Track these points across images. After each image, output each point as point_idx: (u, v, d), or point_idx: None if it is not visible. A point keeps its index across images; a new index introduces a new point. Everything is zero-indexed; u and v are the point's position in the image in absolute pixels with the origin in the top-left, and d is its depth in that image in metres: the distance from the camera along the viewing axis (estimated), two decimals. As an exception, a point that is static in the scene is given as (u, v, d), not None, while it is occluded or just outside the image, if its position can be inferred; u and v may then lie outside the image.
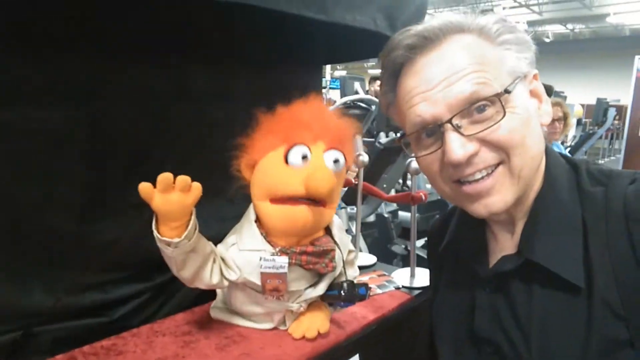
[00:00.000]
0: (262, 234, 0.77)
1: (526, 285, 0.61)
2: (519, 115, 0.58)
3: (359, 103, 2.97)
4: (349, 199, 2.32)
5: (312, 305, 0.85)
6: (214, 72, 0.93)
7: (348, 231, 1.54)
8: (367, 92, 4.70)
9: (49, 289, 0.77)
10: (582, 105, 8.88)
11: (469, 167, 0.58)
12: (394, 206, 3.02)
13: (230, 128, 0.78)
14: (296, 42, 1.02)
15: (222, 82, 0.95)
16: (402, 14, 1.01)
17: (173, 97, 0.87)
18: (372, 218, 2.84)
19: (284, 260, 0.75)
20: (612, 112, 6.66)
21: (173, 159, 0.88)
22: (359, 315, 0.91)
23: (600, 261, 0.56)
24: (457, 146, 0.57)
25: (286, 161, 0.73)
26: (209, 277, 0.74)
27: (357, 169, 1.21)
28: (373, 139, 2.63)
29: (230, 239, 0.80)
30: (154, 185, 0.63)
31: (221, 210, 0.93)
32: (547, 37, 16.01)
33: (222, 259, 0.77)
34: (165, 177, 0.63)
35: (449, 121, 0.57)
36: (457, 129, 0.57)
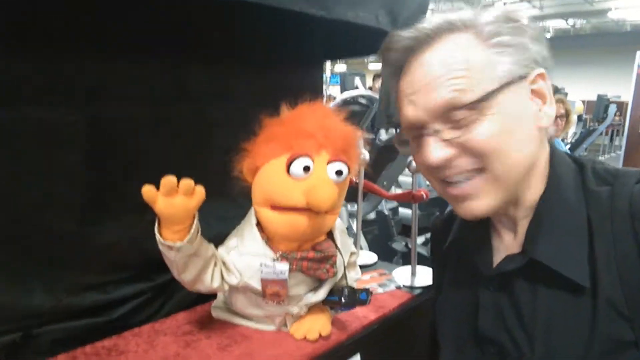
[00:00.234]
0: (263, 238, 0.77)
1: (530, 284, 0.61)
2: (501, 121, 0.57)
3: (359, 99, 2.96)
4: (349, 196, 2.31)
5: (313, 307, 0.84)
6: (214, 72, 0.92)
7: (348, 229, 1.53)
8: (370, 89, 4.68)
9: (50, 290, 0.76)
10: (583, 102, 8.86)
11: (447, 169, 0.60)
12: (394, 203, 3.02)
13: (231, 127, 0.77)
14: (297, 39, 1.01)
15: (222, 82, 0.94)
16: (404, 10, 1.00)
17: (173, 97, 0.87)
18: (372, 215, 2.83)
19: (284, 266, 0.74)
20: (612, 109, 6.64)
21: (174, 158, 0.87)
22: (360, 314, 0.91)
23: (605, 261, 0.56)
24: (431, 150, 0.59)
25: (288, 172, 0.71)
26: (210, 281, 0.74)
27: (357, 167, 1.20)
28: (373, 136, 2.62)
29: (231, 242, 0.79)
30: (157, 187, 0.62)
31: (223, 209, 0.93)
32: (548, 33, 15.97)
33: (223, 263, 0.76)
34: (168, 180, 0.62)
35: (428, 126, 0.59)
36: (435, 133, 0.59)
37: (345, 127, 0.78)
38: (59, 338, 0.76)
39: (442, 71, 0.58)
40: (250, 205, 0.80)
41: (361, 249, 1.39)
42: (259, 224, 0.78)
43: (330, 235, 0.83)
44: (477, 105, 0.56)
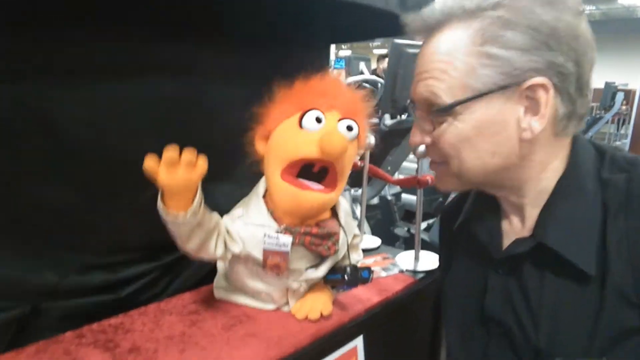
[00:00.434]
0: (268, 210, 0.78)
1: (538, 270, 0.62)
2: (469, 128, 0.59)
3: (364, 84, 2.94)
4: (354, 181, 2.31)
5: (315, 287, 0.85)
6: (218, 51, 0.91)
7: (352, 214, 1.54)
8: (374, 71, 4.63)
9: (57, 269, 0.77)
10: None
11: (427, 151, 0.67)
12: (397, 188, 3.02)
13: (236, 108, 0.77)
14: (303, 21, 1.00)
15: (227, 62, 0.93)
16: (413, -9, 0.98)
17: (177, 75, 0.86)
18: (375, 200, 2.84)
19: (287, 239, 0.76)
20: (620, 97, 6.57)
21: (180, 137, 0.87)
22: (364, 297, 0.92)
23: (617, 248, 0.56)
24: (412, 133, 0.66)
25: (300, 126, 0.73)
26: (214, 250, 0.75)
27: (362, 151, 1.20)
28: (378, 121, 2.61)
29: (237, 211, 0.80)
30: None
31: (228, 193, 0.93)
32: (557, 19, 15.61)
33: (227, 231, 0.78)
34: (170, 152, 0.63)
35: (417, 110, 0.65)
36: (419, 119, 0.65)
37: (355, 92, 0.80)
38: (67, 314, 0.77)
39: (426, 67, 0.61)
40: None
41: (364, 233, 1.40)
42: (265, 196, 0.79)
43: (335, 214, 0.83)
44: (449, 109, 0.59)
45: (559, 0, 0.56)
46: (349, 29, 1.18)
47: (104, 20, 0.73)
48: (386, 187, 2.82)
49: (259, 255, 0.77)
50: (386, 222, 2.89)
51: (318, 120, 0.73)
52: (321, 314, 0.81)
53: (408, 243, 2.67)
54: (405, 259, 1.14)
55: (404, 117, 2.36)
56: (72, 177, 0.77)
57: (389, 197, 2.91)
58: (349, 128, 0.75)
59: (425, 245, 1.18)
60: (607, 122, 6.85)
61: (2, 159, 0.70)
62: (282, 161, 0.74)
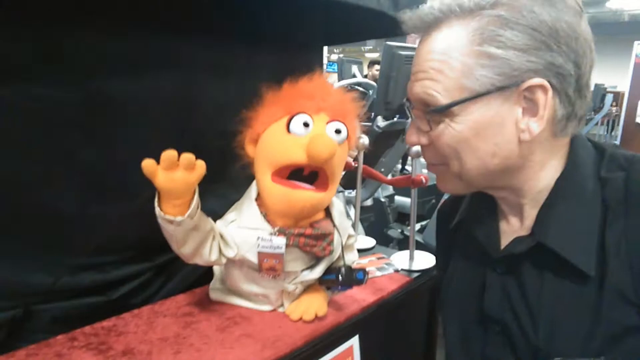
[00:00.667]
0: (261, 212, 0.77)
1: (537, 269, 0.61)
2: (466, 129, 0.58)
3: (356, 87, 2.95)
4: (348, 182, 2.32)
5: (310, 288, 0.85)
6: (211, 52, 0.91)
7: (346, 215, 1.54)
8: (365, 77, 4.66)
9: (49, 269, 0.76)
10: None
11: (424, 152, 0.66)
12: (391, 191, 3.03)
13: (227, 108, 0.77)
14: (295, 22, 1.00)
15: (219, 62, 0.93)
16: (405, -9, 0.98)
17: (171, 75, 0.85)
18: (369, 202, 2.84)
19: (281, 241, 0.75)
20: (609, 98, 6.65)
21: (173, 137, 0.87)
22: (359, 297, 0.92)
23: (616, 246, 0.56)
24: (408, 133, 0.65)
25: (288, 130, 0.73)
26: (208, 254, 0.75)
27: (356, 152, 1.20)
28: (370, 123, 2.62)
29: (230, 215, 0.80)
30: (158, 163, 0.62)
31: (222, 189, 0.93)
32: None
33: (221, 236, 0.77)
34: (169, 154, 0.62)
35: (413, 109, 0.64)
36: (415, 118, 0.64)
37: (343, 93, 0.79)
38: (59, 316, 0.76)
39: (423, 67, 0.60)
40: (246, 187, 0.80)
41: (359, 234, 1.39)
42: (257, 199, 0.79)
43: (328, 215, 0.83)
44: (445, 110, 0.58)
45: (559, 0, 0.55)
46: (342, 29, 1.18)
47: (100, 19, 0.73)
48: (379, 189, 2.82)
49: (253, 258, 0.76)
50: (380, 224, 2.90)
51: (305, 124, 0.72)
52: (316, 315, 0.81)
53: (402, 245, 2.68)
54: (400, 259, 1.14)
55: (396, 119, 2.37)
56: (65, 177, 0.76)
57: (383, 199, 2.91)
58: (338, 131, 0.75)
59: (419, 247, 1.18)
60: (596, 124, 6.94)
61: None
62: (271, 165, 0.74)
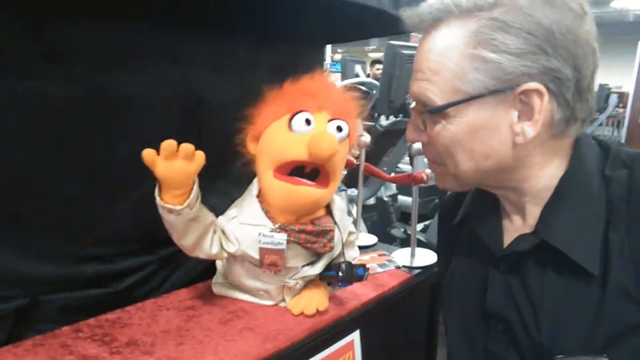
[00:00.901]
0: (263, 209, 0.78)
1: (540, 267, 0.61)
2: (461, 130, 0.58)
3: (359, 86, 2.95)
4: (350, 181, 2.32)
5: (311, 283, 0.86)
6: (213, 49, 0.92)
7: (348, 214, 1.55)
8: (368, 76, 4.65)
9: (54, 260, 0.77)
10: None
11: (424, 150, 0.66)
12: (394, 190, 3.03)
13: (229, 106, 0.78)
14: (297, 20, 1.01)
15: (221, 60, 0.94)
16: (406, -10, 0.99)
17: (173, 70, 0.86)
18: (372, 201, 2.85)
19: (282, 237, 0.76)
20: (613, 99, 6.61)
21: (177, 136, 0.88)
22: (360, 292, 0.92)
23: (619, 244, 0.56)
24: (407, 130, 0.65)
25: (290, 128, 0.74)
26: (209, 247, 0.76)
27: (359, 150, 1.21)
28: (373, 123, 2.62)
29: (231, 211, 0.81)
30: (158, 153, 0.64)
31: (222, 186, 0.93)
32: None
33: (223, 231, 0.78)
34: (168, 144, 0.64)
35: (411, 108, 0.64)
36: (415, 115, 0.64)
37: (344, 92, 0.80)
38: (65, 307, 0.78)
39: (421, 66, 0.60)
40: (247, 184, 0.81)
41: (360, 231, 1.40)
42: (259, 196, 0.80)
43: (329, 212, 0.84)
44: (440, 111, 0.59)
45: (560, 1, 0.54)
46: (344, 28, 1.19)
47: (100, 14, 0.74)
48: (383, 188, 2.82)
49: (255, 254, 0.77)
50: (383, 223, 2.89)
51: (307, 122, 0.73)
52: (317, 310, 0.82)
53: (405, 244, 2.66)
54: (401, 256, 1.14)
55: (400, 117, 2.37)
56: (71, 169, 0.77)
57: (385, 199, 2.91)
58: (339, 129, 0.76)
59: (422, 246, 1.19)
60: (600, 124, 6.90)
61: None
62: (272, 162, 0.75)
